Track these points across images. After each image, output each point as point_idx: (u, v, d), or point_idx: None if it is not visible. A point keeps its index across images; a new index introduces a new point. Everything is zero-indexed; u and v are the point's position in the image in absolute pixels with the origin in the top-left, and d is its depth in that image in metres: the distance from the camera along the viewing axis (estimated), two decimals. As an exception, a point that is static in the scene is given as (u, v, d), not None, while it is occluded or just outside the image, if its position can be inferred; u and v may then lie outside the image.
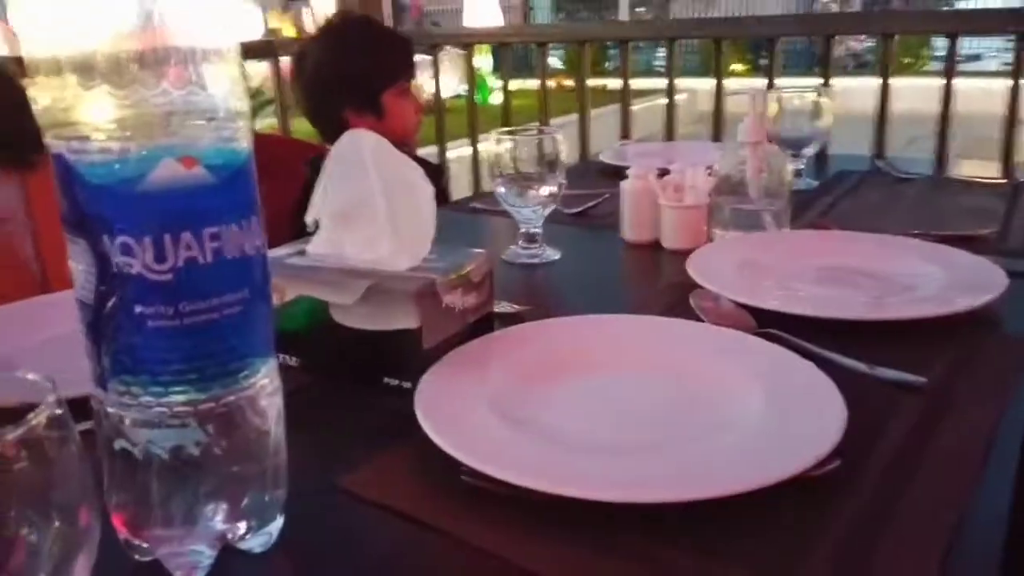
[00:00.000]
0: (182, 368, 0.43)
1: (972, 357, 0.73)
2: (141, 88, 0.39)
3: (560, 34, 2.94)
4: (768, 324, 0.78)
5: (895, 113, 1.94)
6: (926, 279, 0.88)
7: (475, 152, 2.52)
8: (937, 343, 0.75)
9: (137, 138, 0.40)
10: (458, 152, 3.01)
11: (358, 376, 0.72)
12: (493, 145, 1.06)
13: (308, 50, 1.75)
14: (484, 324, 0.77)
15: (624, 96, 2.16)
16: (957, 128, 1.88)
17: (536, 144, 1.05)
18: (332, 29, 1.77)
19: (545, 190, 1.03)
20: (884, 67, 1.88)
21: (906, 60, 9.88)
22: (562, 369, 0.70)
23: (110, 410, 0.44)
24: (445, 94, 2.60)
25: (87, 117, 0.40)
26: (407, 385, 0.68)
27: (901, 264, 0.94)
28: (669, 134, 2.16)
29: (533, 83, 2.51)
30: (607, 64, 11.52)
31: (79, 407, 0.41)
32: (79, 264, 0.43)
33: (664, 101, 2.21)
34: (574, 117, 2.35)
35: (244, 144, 0.44)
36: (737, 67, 12.37)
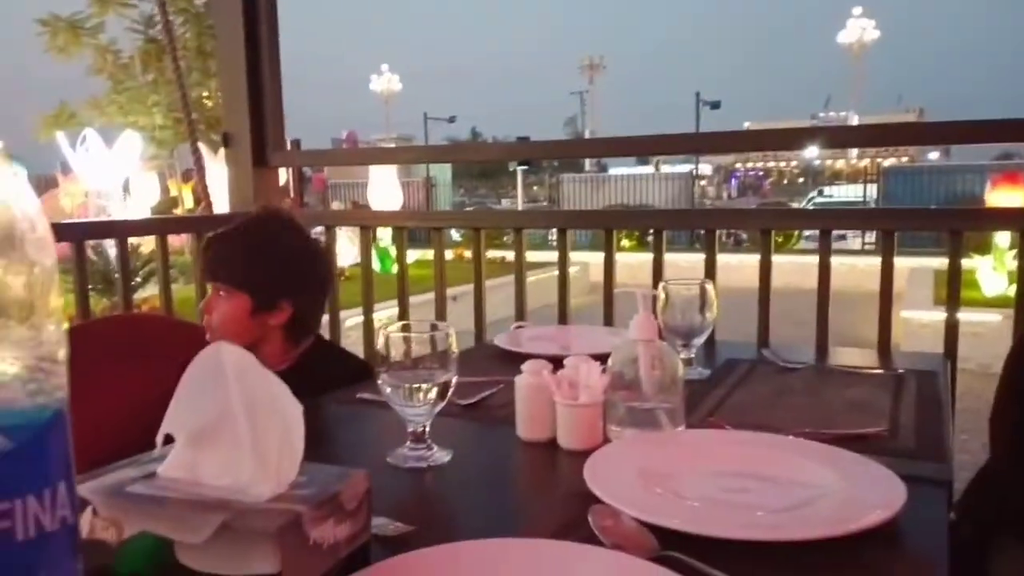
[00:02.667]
0: None
1: (880, 578, 0.70)
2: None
3: (458, 220, 3.01)
4: (670, 542, 0.73)
5: (774, 288, 2.03)
6: (826, 487, 0.86)
7: (369, 323, 2.46)
8: (840, 564, 0.72)
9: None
10: (354, 320, 2.95)
11: (207, 630, 0.61)
12: (381, 339, 1.00)
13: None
14: (359, 556, 0.68)
15: (519, 279, 2.18)
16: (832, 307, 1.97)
17: (429, 340, 1.00)
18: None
19: (434, 391, 0.98)
20: (765, 263, 1.98)
21: (779, 239, 10.71)
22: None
23: None
24: (345, 262, 2.57)
25: None
26: (264, 641, 0.58)
27: (798, 469, 0.92)
28: (562, 317, 2.17)
29: (432, 253, 2.53)
30: (505, 237, 11.95)
31: None
32: None
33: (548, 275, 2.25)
34: (471, 287, 2.35)
35: (58, 395, 0.37)
36: (625, 243, 13.09)
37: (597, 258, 2.33)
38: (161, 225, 2.61)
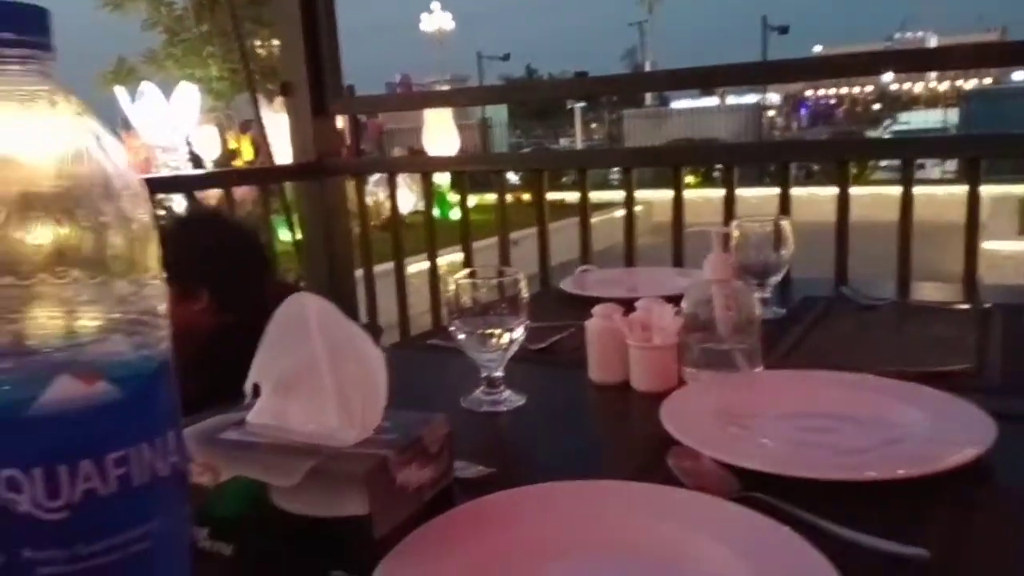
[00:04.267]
0: (75, 625, 0.35)
1: (970, 517, 0.68)
2: (33, 289, 0.34)
3: (520, 163, 2.98)
4: (751, 483, 0.72)
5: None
6: (911, 427, 0.84)
7: (434, 270, 2.48)
8: (928, 503, 0.70)
9: (28, 353, 0.34)
10: (417, 267, 2.99)
11: (302, 568, 0.63)
12: (450, 287, 1.01)
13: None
14: (443, 499, 0.70)
15: (583, 221, 2.16)
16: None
17: (496, 286, 1.01)
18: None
19: (507, 337, 0.98)
20: (843, 197, 1.91)
21: (854, 170, 10.34)
22: (532, 553, 0.63)
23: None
24: (404, 209, 2.59)
25: (-32, 328, 0.34)
26: (356, 579, 0.61)
27: (881, 408, 0.90)
28: (629, 260, 2.15)
29: (491, 197, 2.52)
30: (564, 179, 11.84)
31: None
32: (-43, 493, 0.36)
33: (621, 213, 2.22)
34: (532, 231, 2.34)
35: (162, 347, 0.38)
36: (689, 179, 12.81)
37: (659, 196, 2.28)
38: (226, 178, 2.66)
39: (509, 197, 2.44)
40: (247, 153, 11.68)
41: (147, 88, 10.16)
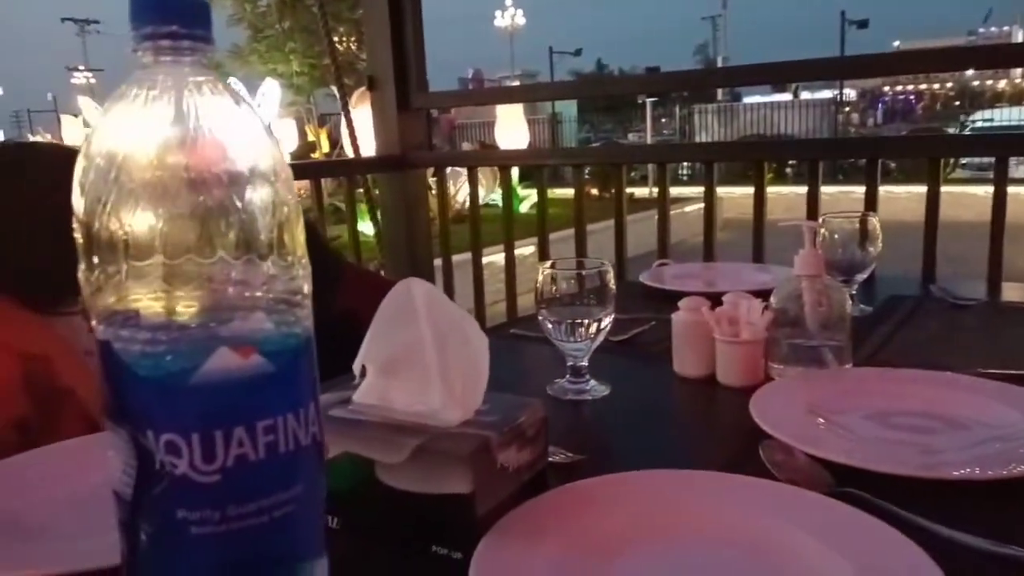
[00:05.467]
0: (225, 580, 0.38)
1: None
2: (196, 268, 0.37)
3: (598, 157, 2.97)
4: (844, 480, 0.72)
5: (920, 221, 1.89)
6: (1005, 427, 0.82)
7: (511, 261, 2.50)
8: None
9: (190, 325, 0.36)
10: (488, 259, 3.03)
11: (405, 542, 0.66)
12: (540, 275, 1.03)
13: None
14: (538, 481, 0.72)
15: (662, 215, 2.15)
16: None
17: (585, 276, 1.02)
18: None
19: (595, 327, 0.99)
20: (933, 194, 1.85)
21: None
22: (627, 537, 0.64)
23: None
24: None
25: (138, 301, 0.37)
26: (457, 556, 0.63)
27: (975, 408, 0.88)
28: (708, 254, 2.13)
29: (560, 191, 2.52)
30: (632, 174, 11.72)
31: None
32: (117, 455, 0.39)
33: (691, 208, 2.20)
34: (601, 225, 2.34)
35: (307, 324, 0.40)
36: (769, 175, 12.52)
37: (728, 192, 2.24)
38: (316, 169, 2.74)
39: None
40: (324, 146, 11.95)
41: (233, 82, 10.52)
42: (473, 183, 2.51)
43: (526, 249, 3.51)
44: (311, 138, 12.60)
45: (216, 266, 0.37)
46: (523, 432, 0.70)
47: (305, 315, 0.40)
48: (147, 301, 0.36)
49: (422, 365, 0.69)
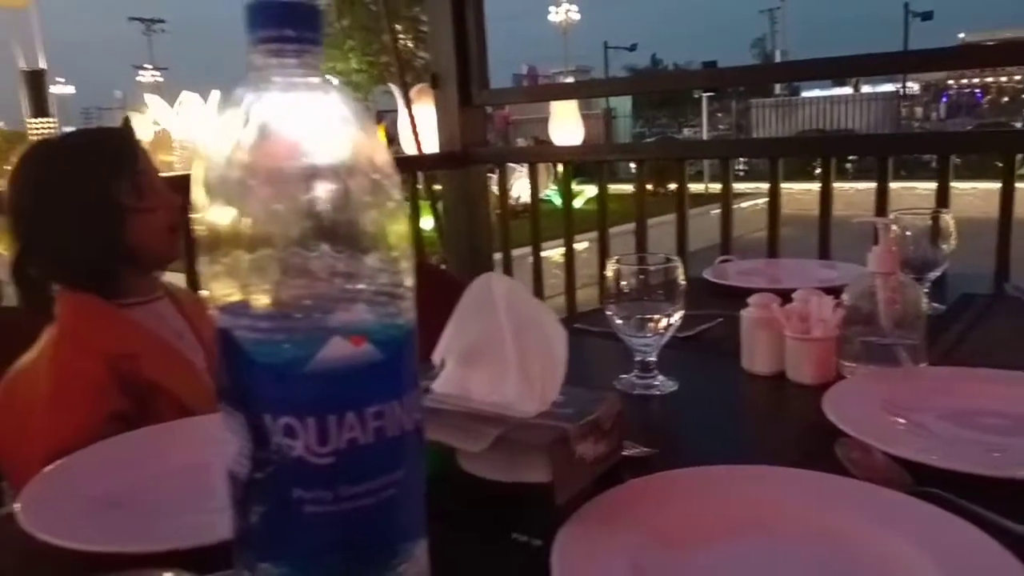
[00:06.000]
0: (335, 559, 0.40)
1: None
2: (311, 260, 0.39)
3: (661, 152, 2.96)
4: (922, 480, 0.71)
5: (990, 218, 1.84)
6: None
7: (570, 257, 2.51)
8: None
9: (306, 316, 0.38)
10: (544, 254, 3.05)
11: (485, 529, 0.68)
12: (608, 270, 1.03)
13: None
14: (613, 474, 0.73)
15: (725, 212, 2.13)
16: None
17: (654, 272, 1.02)
18: None
19: (664, 322, 1.00)
20: (1008, 190, 1.80)
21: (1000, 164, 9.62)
22: (706, 531, 0.65)
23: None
24: (527, 198, 2.62)
25: (256, 292, 0.39)
26: (537, 543, 0.64)
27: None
28: (772, 250, 2.10)
29: (613, 187, 2.52)
30: (689, 169, 11.54)
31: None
32: (232, 437, 0.42)
33: (746, 204, 2.18)
34: (655, 220, 2.33)
35: (410, 316, 0.42)
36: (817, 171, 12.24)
37: (785, 188, 2.19)
38: None
39: (631, 187, 2.44)
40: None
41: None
42: (534, 178, 2.53)
43: (579, 244, 3.51)
44: (368, 135, 12.74)
45: (328, 259, 0.39)
46: (600, 425, 0.71)
47: (408, 307, 0.42)
48: (265, 292, 0.39)
49: (500, 357, 0.71)
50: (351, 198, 0.39)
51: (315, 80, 0.41)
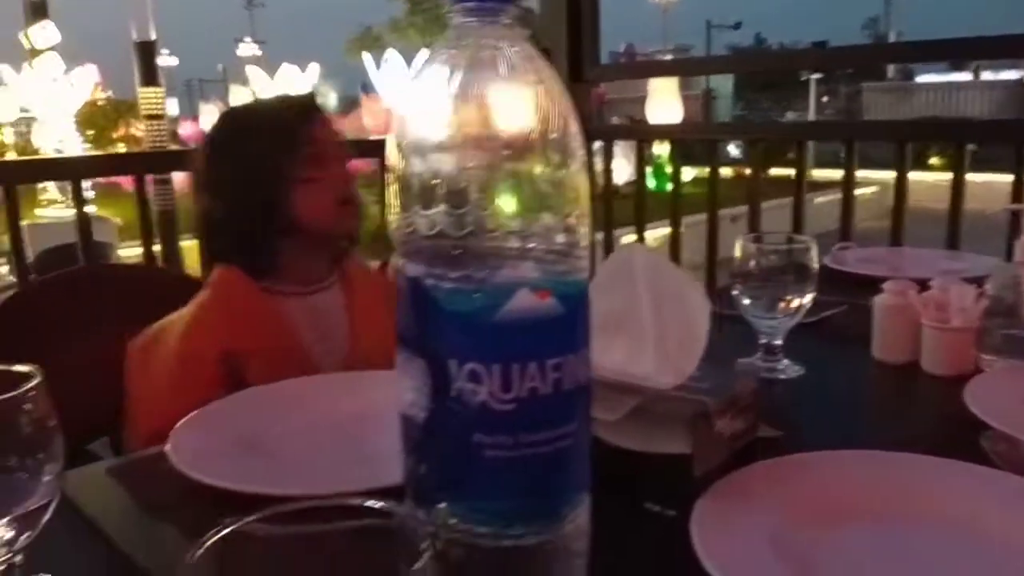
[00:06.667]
0: (511, 501, 0.41)
1: None
2: (503, 216, 0.40)
3: (780, 132, 2.87)
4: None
5: None
6: None
7: (676, 237, 2.47)
8: None
9: (497, 268, 0.40)
10: (627, 238, 3.02)
11: (617, 499, 0.68)
12: (738, 249, 1.02)
13: None
14: (747, 451, 0.72)
15: (846, 198, 2.06)
16: None
17: (787, 252, 1.00)
18: None
19: (797, 301, 0.98)
20: None
21: None
22: (844, 512, 0.64)
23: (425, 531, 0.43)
24: (620, 179, 2.58)
25: (450, 244, 0.40)
26: (671, 513, 0.65)
27: None
28: (896, 238, 2.02)
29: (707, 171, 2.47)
30: (791, 154, 11.19)
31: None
32: (410, 382, 0.43)
33: (856, 191, 2.09)
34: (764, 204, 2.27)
35: (586, 274, 0.43)
36: (934, 161, 11.65)
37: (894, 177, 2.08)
38: None
39: (729, 171, 2.37)
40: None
41: (391, 55, 10.85)
42: (640, 157, 2.50)
43: (662, 231, 3.43)
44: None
45: (518, 216, 0.40)
46: (737, 402, 0.70)
47: (586, 265, 0.43)
48: (459, 244, 0.40)
49: (638, 328, 0.71)
50: (543, 158, 0.40)
51: (510, 40, 0.42)
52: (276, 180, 1.16)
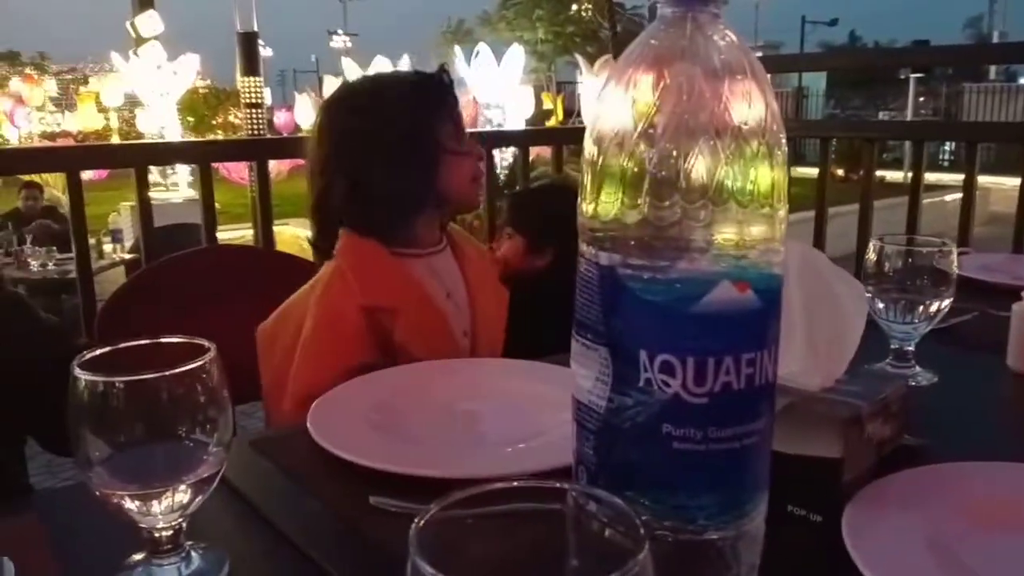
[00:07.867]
0: (696, 495, 0.41)
1: None
2: (708, 207, 0.39)
3: (896, 131, 2.76)
4: None
5: None
6: None
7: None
8: None
9: (700, 259, 0.39)
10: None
11: (760, 498, 0.67)
12: (871, 251, 0.99)
13: None
14: (893, 458, 0.70)
15: (967, 201, 1.96)
16: None
17: (925, 255, 0.96)
18: None
19: (936, 306, 0.94)
20: None
21: None
22: (998, 523, 0.61)
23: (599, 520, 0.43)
24: None
25: (651, 234, 0.40)
26: (817, 518, 0.63)
27: None
28: (1018, 245, 1.92)
29: (800, 170, 2.39)
30: (884, 155, 10.81)
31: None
32: (587, 370, 0.43)
33: (950, 197, 1.99)
34: (840, 209, 2.19)
35: (781, 269, 0.42)
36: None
37: (996, 183, 1.97)
38: (524, 138, 2.83)
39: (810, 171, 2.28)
40: (559, 114, 12.13)
41: (482, 48, 10.89)
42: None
43: None
44: (547, 106, 12.80)
45: (721, 208, 0.39)
46: (888, 406, 0.68)
47: (781, 260, 0.42)
48: (660, 235, 0.40)
49: (787, 327, 0.69)
50: (750, 149, 0.39)
51: (719, 29, 0.41)
52: (435, 149, 1.18)
